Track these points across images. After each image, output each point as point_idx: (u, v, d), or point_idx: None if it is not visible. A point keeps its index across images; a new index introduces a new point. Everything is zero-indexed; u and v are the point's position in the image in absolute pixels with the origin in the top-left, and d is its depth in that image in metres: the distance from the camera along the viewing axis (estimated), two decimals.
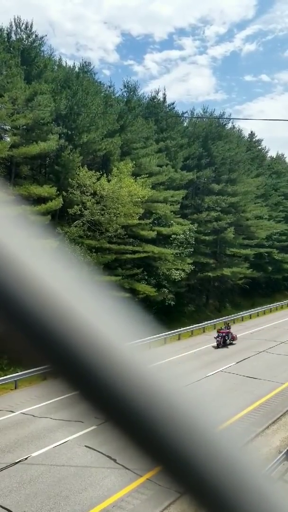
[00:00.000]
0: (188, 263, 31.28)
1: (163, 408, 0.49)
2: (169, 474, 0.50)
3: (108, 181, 25.30)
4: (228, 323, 26.85)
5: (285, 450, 11.36)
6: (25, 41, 26.93)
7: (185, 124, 39.06)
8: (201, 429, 0.50)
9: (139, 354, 0.50)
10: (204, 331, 29.34)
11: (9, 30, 26.78)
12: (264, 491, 0.53)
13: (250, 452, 0.53)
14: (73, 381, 0.49)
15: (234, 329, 30.41)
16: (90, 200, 24.64)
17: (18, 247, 0.48)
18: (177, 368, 0.54)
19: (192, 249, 32.33)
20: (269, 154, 53.31)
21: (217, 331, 25.16)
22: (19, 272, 0.46)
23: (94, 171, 25.29)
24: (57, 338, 0.47)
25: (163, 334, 24.37)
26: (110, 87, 33.42)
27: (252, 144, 49.59)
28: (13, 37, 26.87)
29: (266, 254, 42.97)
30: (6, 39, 26.37)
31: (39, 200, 23.87)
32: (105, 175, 25.46)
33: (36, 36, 27.38)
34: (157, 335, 22.77)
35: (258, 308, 37.59)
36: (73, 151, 25.20)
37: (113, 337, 0.49)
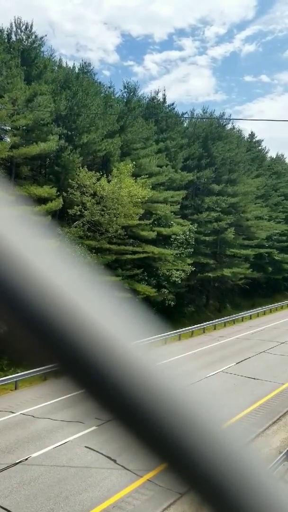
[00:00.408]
0: (188, 264, 31.28)
1: (168, 406, 0.49)
2: (174, 471, 0.51)
3: (108, 181, 25.31)
4: None
5: (285, 450, 11.36)
6: (25, 41, 26.95)
7: (185, 124, 39.07)
8: (205, 427, 0.51)
9: (144, 353, 0.50)
10: (204, 332, 29.34)
11: (9, 31, 26.82)
12: (268, 488, 0.53)
13: (254, 450, 0.53)
14: (80, 380, 0.49)
15: (233, 330, 30.45)
16: (90, 201, 24.64)
17: (24, 246, 0.48)
18: (178, 368, 0.55)
19: (192, 250, 32.34)
20: (269, 155, 53.37)
21: None
22: (25, 271, 0.47)
23: (94, 172, 25.30)
24: (64, 336, 0.47)
25: (164, 334, 24.36)
26: (110, 87, 33.45)
27: (252, 145, 49.60)
28: (13, 38, 26.90)
29: (266, 254, 42.99)
30: (6, 40, 26.40)
31: (39, 201, 23.87)
32: (105, 175, 25.47)
33: (36, 36, 27.43)
34: (157, 336, 22.76)
35: (258, 308, 37.59)
36: (73, 152, 25.21)
37: (118, 336, 0.49)
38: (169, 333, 25.40)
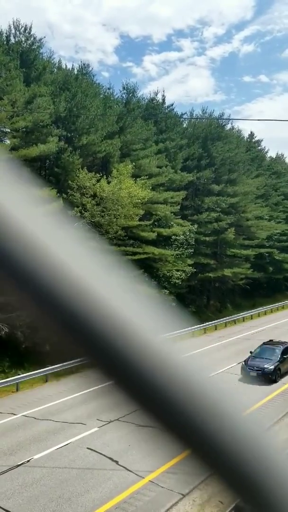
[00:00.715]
0: (189, 264, 31.26)
1: (193, 395, 0.52)
2: (197, 457, 0.53)
3: (108, 182, 25.32)
4: None
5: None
6: (24, 43, 26.98)
7: (185, 125, 39.08)
8: (227, 414, 0.53)
9: (170, 345, 0.53)
10: (205, 332, 29.32)
11: (8, 33, 26.86)
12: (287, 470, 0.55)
13: (274, 435, 0.56)
14: (108, 371, 0.51)
15: (234, 330, 30.40)
16: (90, 202, 24.66)
17: (63, 247, 0.50)
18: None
19: (192, 250, 32.32)
20: (268, 155, 53.31)
21: None
22: (62, 269, 0.48)
23: (94, 173, 25.31)
24: (94, 330, 0.48)
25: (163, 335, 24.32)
26: (109, 89, 33.47)
27: (251, 145, 49.56)
28: (12, 39, 26.93)
29: (266, 254, 42.95)
30: (5, 41, 26.42)
31: None
32: (105, 176, 25.48)
33: (34, 38, 27.46)
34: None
35: (259, 308, 37.54)
36: (73, 153, 25.22)
37: (146, 329, 0.52)
38: (169, 334, 25.35)
